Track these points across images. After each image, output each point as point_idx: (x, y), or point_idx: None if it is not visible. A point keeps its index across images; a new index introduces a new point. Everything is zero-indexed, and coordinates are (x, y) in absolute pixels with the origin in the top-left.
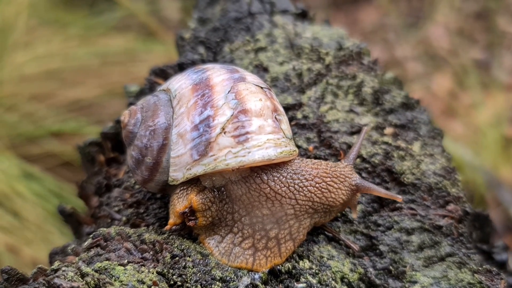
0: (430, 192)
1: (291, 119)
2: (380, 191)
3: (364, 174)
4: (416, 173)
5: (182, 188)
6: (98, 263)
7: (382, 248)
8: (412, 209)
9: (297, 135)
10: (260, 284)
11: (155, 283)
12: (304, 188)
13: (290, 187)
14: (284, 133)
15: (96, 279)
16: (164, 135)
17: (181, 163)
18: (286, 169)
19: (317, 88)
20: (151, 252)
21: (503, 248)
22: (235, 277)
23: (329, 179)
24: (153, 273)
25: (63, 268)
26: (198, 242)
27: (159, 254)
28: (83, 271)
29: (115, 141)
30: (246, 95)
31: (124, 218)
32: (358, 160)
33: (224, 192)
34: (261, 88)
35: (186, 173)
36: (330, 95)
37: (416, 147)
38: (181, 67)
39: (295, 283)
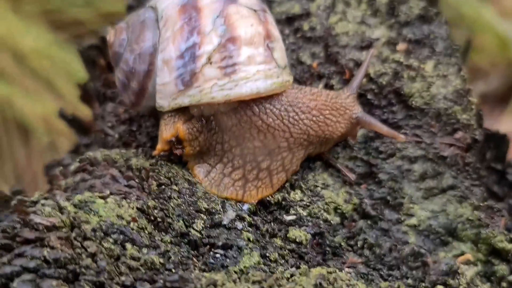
0: (438, 118)
1: (296, 31)
2: (382, 128)
3: (370, 96)
4: (426, 97)
5: (169, 114)
6: (78, 195)
7: (381, 176)
8: (417, 135)
9: (302, 49)
10: (247, 216)
11: (134, 219)
12: (300, 121)
13: (284, 120)
14: (276, 62)
15: (71, 217)
16: (149, 60)
17: (166, 91)
18: (281, 101)
19: None
20: (136, 180)
21: None
22: (221, 209)
23: (327, 111)
24: (133, 209)
25: (42, 201)
26: (187, 168)
27: (145, 182)
28: (61, 205)
29: None
30: (236, 21)
31: (117, 135)
32: (364, 80)
33: (213, 122)
34: (254, 11)
35: (171, 102)
36: (341, 3)
37: (429, 66)
38: None
39: (284, 215)
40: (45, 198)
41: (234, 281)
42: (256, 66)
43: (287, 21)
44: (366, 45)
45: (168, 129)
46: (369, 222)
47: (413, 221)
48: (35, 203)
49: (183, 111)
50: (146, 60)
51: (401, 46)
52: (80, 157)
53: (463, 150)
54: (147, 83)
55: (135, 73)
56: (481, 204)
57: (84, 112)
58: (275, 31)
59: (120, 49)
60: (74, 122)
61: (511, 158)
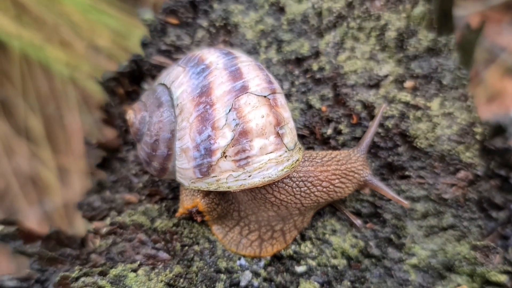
0: (442, 160)
1: (306, 71)
2: (388, 193)
3: (376, 139)
4: (430, 138)
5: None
6: (113, 269)
7: (386, 216)
8: (420, 177)
9: (311, 92)
10: (263, 271)
11: None
12: (311, 194)
13: (296, 195)
14: (286, 146)
15: None
16: (168, 145)
17: (186, 175)
18: (292, 178)
19: (337, 32)
20: (162, 243)
21: None
22: (239, 268)
23: (337, 180)
24: (161, 282)
25: (82, 279)
26: (206, 226)
27: (170, 243)
28: (99, 284)
29: (132, 77)
30: (248, 113)
31: (141, 184)
32: (371, 122)
33: (230, 195)
34: (264, 97)
35: (191, 184)
36: (351, 39)
37: (435, 104)
38: (193, 5)
39: (296, 267)
40: (85, 274)
41: None
42: (268, 155)
43: (297, 62)
44: (375, 84)
45: (188, 200)
46: (373, 260)
47: (414, 260)
48: (77, 279)
49: None
50: (164, 146)
51: (409, 83)
52: (111, 220)
53: (464, 188)
54: (168, 164)
55: (156, 155)
56: (478, 243)
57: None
58: (284, 111)
59: (141, 128)
60: (101, 147)
61: None
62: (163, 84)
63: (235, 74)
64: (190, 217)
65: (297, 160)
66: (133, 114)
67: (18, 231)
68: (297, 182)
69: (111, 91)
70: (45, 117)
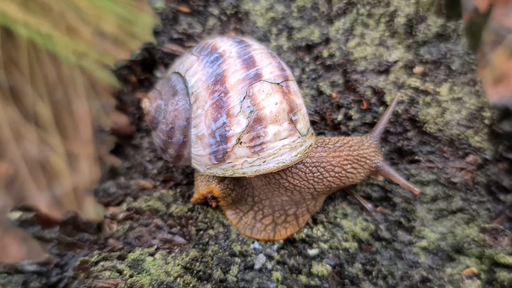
0: (451, 144)
1: (316, 58)
2: (399, 180)
3: (387, 124)
4: (439, 123)
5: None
6: (131, 253)
7: (395, 200)
8: (430, 161)
9: (322, 78)
10: (276, 254)
11: (180, 276)
12: (324, 179)
13: (310, 180)
14: (299, 132)
15: (129, 284)
16: (183, 132)
17: (201, 161)
18: (306, 163)
19: (346, 19)
20: (178, 227)
21: None
22: (253, 251)
23: (349, 166)
24: (178, 265)
25: (102, 263)
26: (221, 210)
27: (185, 228)
28: (118, 268)
29: (144, 65)
30: (262, 100)
31: (155, 171)
32: (381, 109)
33: (245, 180)
34: (278, 84)
35: (206, 171)
36: (360, 26)
37: (444, 89)
38: None
39: (308, 250)
40: (104, 259)
41: None
42: (282, 141)
43: (307, 49)
44: (384, 70)
45: (204, 186)
46: (383, 243)
47: (423, 243)
48: (96, 263)
49: None
50: (181, 133)
51: (418, 69)
52: (127, 205)
53: (473, 171)
54: (183, 151)
55: (171, 142)
56: (487, 226)
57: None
58: (297, 98)
59: (156, 116)
60: (114, 133)
61: None
62: (178, 73)
63: (249, 62)
64: (205, 202)
65: (310, 145)
66: (148, 103)
67: (36, 217)
68: (310, 168)
69: (123, 78)
70: (53, 103)
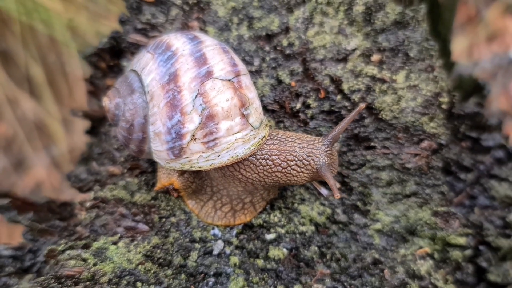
0: (406, 131)
1: (275, 47)
2: (329, 182)
3: (343, 112)
4: (395, 111)
5: None
6: (95, 242)
7: (352, 184)
8: (385, 147)
9: (281, 68)
10: (235, 239)
11: (141, 263)
12: (273, 173)
13: (260, 173)
14: (252, 126)
15: (92, 272)
16: (142, 129)
17: (160, 156)
18: (257, 155)
19: (306, 7)
20: (141, 215)
21: (497, 125)
22: (212, 238)
23: (293, 162)
24: (139, 253)
25: (68, 252)
26: (183, 200)
27: (148, 216)
28: (83, 257)
29: (112, 52)
30: (213, 98)
31: (122, 159)
32: (338, 97)
33: (204, 172)
34: (229, 81)
35: (166, 165)
36: (319, 14)
37: (400, 77)
38: None
39: (266, 235)
40: (70, 247)
41: None
42: (234, 136)
43: (267, 38)
44: (343, 58)
45: (165, 178)
46: (340, 226)
47: (378, 225)
48: (63, 251)
49: None
50: (139, 130)
51: (375, 57)
52: (94, 194)
53: (427, 157)
54: (144, 146)
55: (132, 139)
56: (439, 210)
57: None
58: (249, 92)
59: (116, 112)
60: (87, 117)
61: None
62: (135, 71)
63: (200, 59)
64: (167, 191)
65: (263, 137)
66: (108, 101)
67: (12, 203)
68: (260, 160)
69: (94, 65)
70: (46, 66)
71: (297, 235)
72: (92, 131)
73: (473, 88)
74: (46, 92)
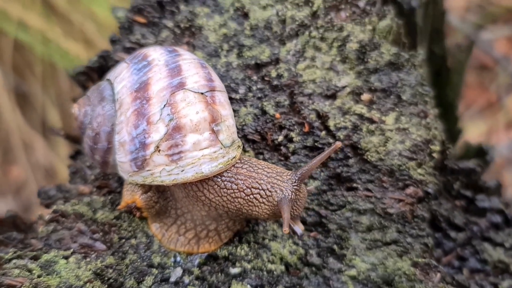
0: (391, 174)
1: (263, 77)
2: (284, 215)
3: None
4: (381, 152)
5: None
6: (45, 255)
7: (330, 226)
8: (368, 190)
9: (267, 98)
10: (196, 269)
11: (90, 281)
12: (235, 199)
13: (223, 197)
14: (221, 143)
15: (34, 283)
16: (108, 139)
17: (124, 168)
18: (222, 177)
19: (298, 40)
20: (100, 233)
21: (496, 188)
22: (172, 264)
23: (257, 191)
24: (89, 271)
25: (14, 261)
26: (147, 222)
27: (108, 235)
28: (29, 267)
29: (101, 72)
30: (182, 109)
31: (93, 177)
32: (323, 133)
33: (169, 192)
34: (201, 94)
35: (129, 178)
36: (312, 49)
37: (390, 118)
38: (160, 5)
39: (231, 268)
40: (18, 257)
41: None
42: (202, 151)
43: (256, 67)
44: (332, 94)
45: (129, 195)
46: (313, 268)
47: (353, 272)
48: (9, 260)
49: None
50: (104, 139)
51: (366, 96)
52: (54, 207)
53: (413, 204)
54: (108, 158)
55: (97, 148)
56: (419, 260)
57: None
58: (223, 110)
59: (84, 120)
60: (67, 138)
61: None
62: (108, 80)
63: (175, 70)
64: (131, 211)
65: (234, 157)
66: (77, 108)
67: None
68: (225, 182)
69: (81, 84)
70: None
71: (264, 273)
72: (76, 155)
73: (476, 151)
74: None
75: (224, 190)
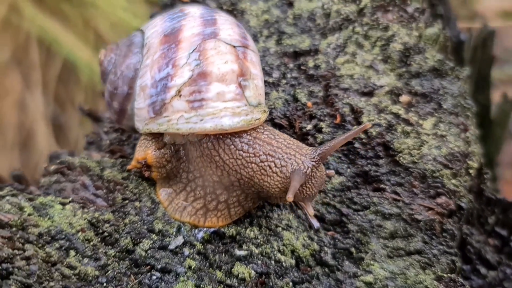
0: (423, 180)
1: (299, 66)
2: (292, 186)
3: (357, 144)
4: (415, 155)
5: (145, 137)
6: (41, 197)
7: (350, 227)
8: (396, 193)
9: (301, 86)
10: (198, 244)
11: (82, 230)
12: (250, 164)
13: (238, 160)
14: (247, 100)
15: (23, 219)
16: (130, 83)
17: (141, 116)
18: (241, 138)
19: (341, 34)
20: (104, 191)
21: None
22: (174, 233)
23: (272, 159)
24: (84, 220)
25: (8, 197)
26: (154, 186)
27: (111, 193)
28: (22, 205)
29: None
30: (211, 56)
31: (108, 142)
32: (355, 127)
33: (183, 151)
34: (233, 47)
35: (144, 127)
36: (354, 45)
37: (428, 123)
38: None
39: (236, 250)
40: (13, 195)
41: None
42: (225, 103)
43: (294, 55)
44: (369, 91)
45: (140, 151)
46: (326, 270)
47: (369, 278)
48: (3, 197)
49: (157, 138)
50: (127, 83)
51: (404, 98)
52: (61, 159)
53: (443, 216)
54: (127, 105)
55: (117, 94)
56: (444, 275)
57: None
58: (253, 68)
59: (108, 67)
60: (89, 115)
61: None
62: (141, 30)
63: (209, 22)
64: (140, 171)
65: (258, 119)
66: (104, 53)
67: None
68: (242, 144)
69: None
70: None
71: (272, 261)
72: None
73: None
74: None
75: (240, 152)
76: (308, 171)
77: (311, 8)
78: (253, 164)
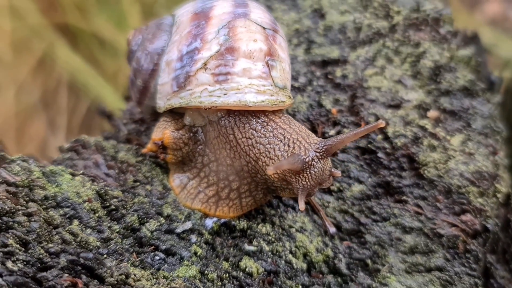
0: (448, 195)
1: (327, 75)
2: (282, 163)
3: (380, 154)
4: (440, 169)
5: (164, 119)
6: (52, 166)
7: (368, 238)
8: (419, 206)
9: (326, 94)
10: (207, 233)
11: (89, 200)
12: (257, 145)
13: (249, 139)
14: (273, 81)
15: (30, 179)
16: (156, 60)
17: (164, 91)
18: (257, 119)
19: (371, 48)
20: (116, 171)
21: None
22: (182, 219)
23: (279, 141)
24: (92, 191)
25: (18, 162)
26: (167, 173)
27: (123, 174)
28: (31, 169)
29: None
30: (240, 33)
31: (126, 132)
32: (379, 137)
33: (201, 134)
34: (263, 28)
35: (166, 103)
36: (383, 59)
37: (456, 140)
38: None
39: (246, 244)
40: (23, 160)
41: (152, 282)
42: (250, 80)
43: (322, 64)
44: (396, 104)
45: (158, 132)
46: (339, 279)
47: None
48: (13, 161)
49: (176, 119)
50: (153, 60)
51: (433, 113)
52: (77, 137)
53: (467, 234)
54: (150, 82)
55: (141, 71)
56: None
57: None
58: (282, 52)
59: (134, 47)
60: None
61: None
62: (172, 14)
63: (241, 4)
64: (156, 156)
65: (282, 102)
66: (132, 33)
67: None
68: (256, 124)
69: None
70: None
71: (282, 261)
72: None
73: None
74: None
75: (252, 131)
76: (307, 159)
77: (343, 21)
78: (260, 145)
